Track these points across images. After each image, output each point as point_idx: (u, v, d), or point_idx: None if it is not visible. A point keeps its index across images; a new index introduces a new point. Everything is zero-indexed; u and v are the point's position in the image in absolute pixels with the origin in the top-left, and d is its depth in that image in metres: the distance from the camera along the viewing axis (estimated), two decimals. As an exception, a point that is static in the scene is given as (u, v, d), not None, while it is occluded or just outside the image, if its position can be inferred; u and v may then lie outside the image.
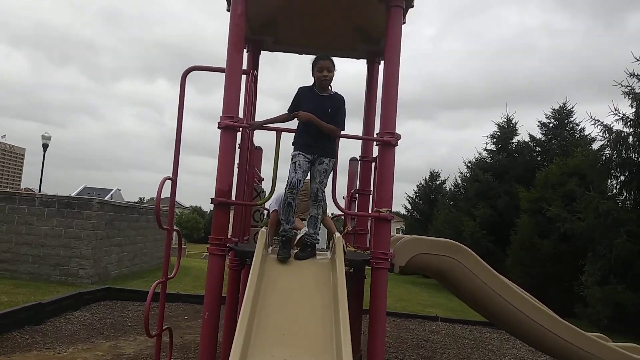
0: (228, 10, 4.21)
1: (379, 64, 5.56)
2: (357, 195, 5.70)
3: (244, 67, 4.32)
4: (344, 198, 6.04)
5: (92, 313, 7.74)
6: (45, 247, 10.19)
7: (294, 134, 4.03)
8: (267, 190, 5.57)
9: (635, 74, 11.27)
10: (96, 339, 6.28)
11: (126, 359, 5.62)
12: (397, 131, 4.03)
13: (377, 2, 4.13)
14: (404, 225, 28.13)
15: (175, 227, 4.63)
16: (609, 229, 10.52)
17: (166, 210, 9.80)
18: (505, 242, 15.21)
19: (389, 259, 3.98)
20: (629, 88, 11.28)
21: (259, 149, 5.80)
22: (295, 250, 3.88)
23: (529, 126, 28.68)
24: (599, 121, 11.69)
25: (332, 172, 4.00)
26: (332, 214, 6.69)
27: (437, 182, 26.55)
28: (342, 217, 6.40)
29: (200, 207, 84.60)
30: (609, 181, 11.98)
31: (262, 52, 5.57)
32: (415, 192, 26.91)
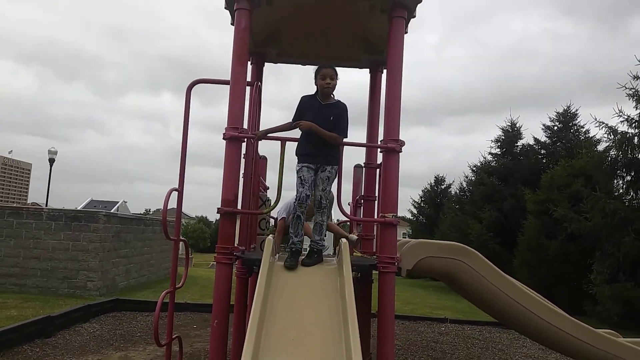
0: (232, 24, 4.27)
1: (382, 72, 5.61)
2: (362, 201, 5.72)
3: (248, 79, 4.38)
4: (349, 204, 6.06)
5: (101, 325, 7.78)
6: (53, 261, 10.25)
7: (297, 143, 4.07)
8: (272, 198, 5.62)
9: (639, 76, 11.29)
10: (106, 350, 6.31)
11: (137, 370, 5.65)
12: (400, 138, 4.07)
13: (379, 13, 4.19)
14: (410, 229, 28.09)
15: (182, 238, 4.66)
16: (616, 228, 10.51)
17: (173, 221, 9.85)
18: (512, 244, 15.16)
19: (396, 263, 4.00)
20: (633, 90, 11.31)
21: (264, 159, 5.85)
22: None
23: (534, 130, 28.67)
24: (603, 123, 11.71)
25: (337, 179, 4.04)
26: (337, 220, 6.72)
27: (443, 187, 26.53)
28: (348, 223, 6.44)
29: (206, 217, 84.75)
30: (615, 181, 11.98)
31: (265, 63, 5.63)
32: (421, 197, 26.90)
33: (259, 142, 4.51)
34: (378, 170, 5.10)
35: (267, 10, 4.37)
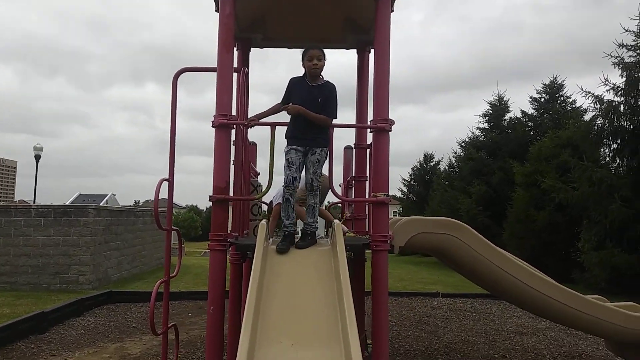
0: (216, 10, 4.19)
1: (369, 52, 5.56)
2: (353, 182, 5.72)
3: (235, 65, 4.31)
4: (340, 186, 6.06)
5: (96, 318, 7.77)
6: (44, 257, 10.17)
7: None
8: (263, 184, 5.59)
9: (625, 44, 11.32)
10: (102, 342, 6.31)
11: (134, 359, 5.66)
12: (389, 117, 4.05)
13: (364, -9, 4.12)
14: (401, 208, 28.26)
15: (174, 227, 4.63)
16: (603, 196, 10.67)
17: (163, 212, 9.80)
18: (502, 217, 15.35)
19: (389, 241, 4.02)
20: (619, 58, 11.35)
21: (253, 144, 5.80)
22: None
23: (521, 102, 28.75)
24: (589, 92, 11.81)
25: (327, 161, 4.02)
26: (328, 202, 6.72)
27: (432, 164, 26.64)
28: (340, 204, 6.44)
29: (196, 206, 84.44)
30: (602, 150, 12.12)
31: (252, 49, 5.55)
32: (410, 175, 27.01)
33: (248, 128, 4.46)
34: (368, 150, 5.09)
35: (250, -6, 4.29)
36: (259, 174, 6.00)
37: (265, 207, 6.27)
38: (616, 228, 10.43)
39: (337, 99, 3.97)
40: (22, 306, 8.10)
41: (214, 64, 4.05)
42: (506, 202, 15.15)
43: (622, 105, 11.31)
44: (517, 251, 11.84)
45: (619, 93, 11.39)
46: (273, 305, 3.06)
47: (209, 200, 4.06)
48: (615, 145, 11.82)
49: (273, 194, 5.27)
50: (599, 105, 11.59)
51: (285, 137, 3.99)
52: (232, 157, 4.30)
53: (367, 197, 5.09)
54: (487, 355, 6.01)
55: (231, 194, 4.15)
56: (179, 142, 4.45)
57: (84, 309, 8.06)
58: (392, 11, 4.23)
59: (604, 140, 11.82)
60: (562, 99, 17.67)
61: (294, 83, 4.01)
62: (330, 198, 6.72)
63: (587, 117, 13.49)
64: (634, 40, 11.28)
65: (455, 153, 21.50)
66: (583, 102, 18.64)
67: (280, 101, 4.06)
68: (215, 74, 4.03)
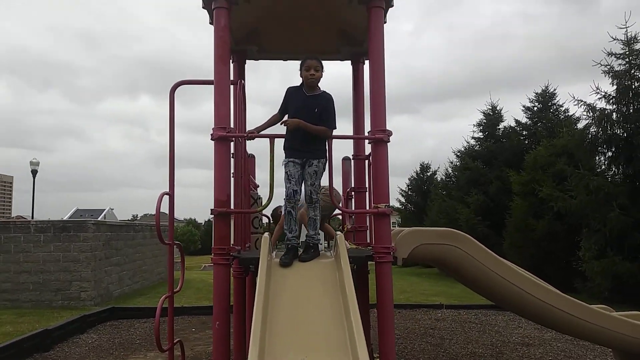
0: (211, 23, 4.25)
1: (364, 63, 5.64)
2: (352, 193, 5.77)
3: (231, 77, 4.37)
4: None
5: (99, 334, 7.74)
6: (44, 273, 10.15)
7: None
8: (263, 196, 5.64)
9: (613, 52, 11.47)
10: (107, 360, 6.29)
11: (139, 377, 5.65)
12: (387, 128, 4.11)
13: (357, 4, 4.20)
14: (399, 218, 28.25)
15: (176, 242, 4.66)
16: (601, 204, 10.69)
17: (164, 225, 9.82)
18: (501, 226, 15.36)
19: (392, 253, 4.05)
20: (609, 67, 11.48)
21: (252, 157, 5.85)
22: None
23: (514, 111, 29.06)
24: (582, 101, 11.90)
25: (327, 172, 4.06)
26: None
27: (428, 174, 26.68)
28: (340, 216, 6.48)
29: (194, 219, 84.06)
30: (597, 158, 12.17)
31: (247, 61, 5.62)
32: (408, 185, 27.04)
33: (248, 140, 4.50)
34: (367, 161, 5.14)
35: (245, 7, 4.37)
36: (258, 186, 6.04)
37: (265, 220, 6.31)
38: (616, 236, 10.44)
39: (335, 109, 4.03)
40: (24, 324, 8.07)
41: (207, 73, 4.11)
42: (504, 211, 15.17)
43: (614, 114, 11.42)
44: (517, 261, 11.83)
45: (611, 101, 11.51)
46: (280, 319, 3.08)
47: (211, 214, 4.09)
48: (610, 153, 11.89)
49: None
50: (591, 114, 11.69)
51: (284, 149, 4.03)
52: (232, 170, 4.35)
53: (367, 208, 5.13)
54: (493, 366, 6.00)
55: (232, 207, 4.20)
56: (176, 155, 4.47)
57: (87, 326, 8.04)
58: (385, 22, 4.32)
59: (599, 148, 11.89)
60: (554, 107, 17.80)
61: (290, 93, 4.04)
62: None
63: (580, 125, 13.61)
64: (622, 49, 11.44)
65: (452, 163, 21.57)
66: (576, 110, 18.84)
67: (277, 112, 4.10)
68: (211, 85, 4.09)
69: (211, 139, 4.01)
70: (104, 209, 70.10)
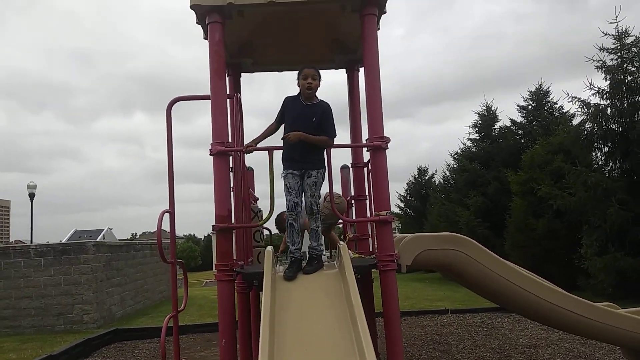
0: (205, 38, 4.26)
1: (358, 71, 5.66)
2: (352, 202, 5.75)
3: (227, 91, 4.37)
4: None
5: (103, 357, 7.66)
6: (46, 298, 10.06)
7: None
8: (262, 208, 5.62)
9: (605, 47, 11.54)
10: (112, 383, 6.21)
11: (146, 398, 5.58)
12: (384, 134, 4.10)
13: (350, 12, 4.22)
14: (399, 224, 28.20)
15: (178, 260, 4.62)
16: (600, 200, 10.70)
17: (166, 243, 9.78)
18: (501, 227, 15.35)
19: (395, 260, 4.03)
20: (601, 62, 11.55)
21: (250, 170, 5.84)
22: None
23: (509, 111, 29.08)
24: (576, 97, 11.96)
25: (326, 182, 4.05)
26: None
27: (426, 177, 26.72)
28: (341, 225, 6.45)
29: (194, 235, 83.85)
30: (594, 154, 12.20)
31: (242, 74, 5.63)
32: (406, 190, 27.05)
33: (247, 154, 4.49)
34: (366, 168, 5.14)
35: (239, 21, 4.38)
36: (257, 199, 6.02)
37: (266, 232, 6.28)
38: (616, 232, 10.45)
39: (333, 118, 4.02)
40: (28, 350, 7.97)
41: (200, 87, 4.17)
42: (504, 211, 15.17)
43: (608, 109, 11.47)
44: (519, 261, 11.82)
45: (605, 96, 11.57)
46: (287, 333, 3.05)
47: (212, 230, 4.07)
48: (606, 149, 11.92)
49: None
50: (586, 110, 11.75)
51: (282, 160, 4.02)
52: (231, 184, 4.33)
53: (368, 216, 5.11)
54: (503, 369, 5.95)
55: (233, 221, 4.17)
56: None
57: (91, 349, 7.95)
58: (378, 29, 4.33)
59: (595, 144, 11.92)
60: (549, 105, 17.87)
61: (287, 102, 4.03)
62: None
63: (575, 122, 13.66)
64: (614, 43, 11.52)
65: (449, 165, 21.61)
66: (570, 107, 18.90)
67: (274, 121, 4.08)
68: (205, 100, 4.09)
69: (210, 154, 4.00)
70: (103, 229, 69.81)
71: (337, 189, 6.26)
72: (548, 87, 18.01)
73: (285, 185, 3.91)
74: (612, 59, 11.52)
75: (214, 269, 4.03)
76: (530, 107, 18.12)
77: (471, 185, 18.08)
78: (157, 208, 4.20)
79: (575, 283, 11.59)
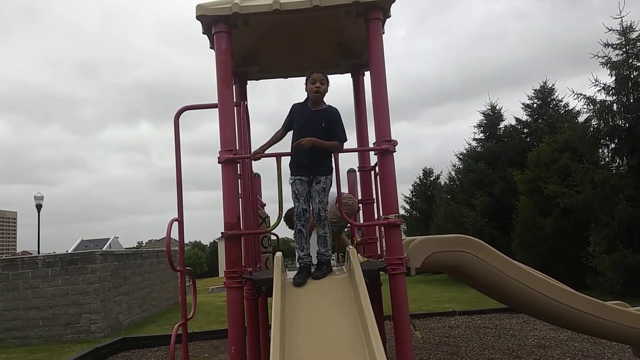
0: (211, 48, 4.27)
1: (364, 75, 5.65)
2: (360, 205, 5.72)
3: (234, 99, 4.36)
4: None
5: (112, 366, 7.64)
6: (53, 308, 10.07)
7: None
8: (270, 214, 5.60)
9: (610, 43, 11.48)
10: (122, 392, 6.19)
11: (157, 407, 5.55)
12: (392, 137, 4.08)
13: (355, 17, 4.20)
14: (405, 226, 28.11)
15: (187, 267, 4.60)
16: (607, 197, 10.63)
17: (175, 251, 9.78)
18: (508, 226, 15.28)
19: (405, 263, 4.00)
20: (606, 58, 11.49)
21: (257, 176, 5.83)
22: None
23: (514, 110, 29.05)
24: (581, 94, 11.90)
25: (335, 186, 4.03)
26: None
27: (432, 178, 26.63)
28: (349, 228, 6.43)
29: (200, 242, 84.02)
30: (600, 150, 12.13)
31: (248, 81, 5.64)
32: (412, 192, 26.97)
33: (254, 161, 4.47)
34: (373, 172, 5.11)
35: (244, 30, 4.38)
36: (264, 205, 6.00)
37: (274, 238, 6.25)
38: (625, 228, 10.37)
39: (342, 122, 3.99)
40: (36, 361, 7.99)
41: (205, 95, 4.19)
42: (511, 211, 15.10)
43: (615, 105, 11.40)
44: (527, 260, 11.77)
45: (610, 92, 11.50)
46: (298, 339, 3.03)
47: (222, 237, 4.06)
48: (613, 145, 11.86)
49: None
50: (592, 106, 11.68)
51: (289, 166, 3.99)
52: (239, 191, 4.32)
53: (375, 219, 5.08)
54: (513, 371, 5.90)
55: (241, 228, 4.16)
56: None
57: (99, 359, 7.94)
58: (383, 33, 4.32)
59: (601, 140, 11.86)
60: (554, 102, 17.80)
61: (295, 109, 4.00)
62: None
63: (581, 119, 13.59)
64: (619, 39, 11.46)
65: (455, 166, 21.54)
66: (575, 104, 18.86)
67: (281, 127, 4.06)
68: (213, 109, 4.08)
69: (218, 162, 3.99)
70: (109, 238, 69.97)
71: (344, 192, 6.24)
72: (553, 85, 17.96)
73: (293, 191, 3.88)
74: (617, 55, 11.47)
75: (223, 275, 4.00)
76: (535, 105, 18.06)
77: (477, 185, 18.01)
78: (163, 216, 4.15)
79: (583, 281, 11.52)
